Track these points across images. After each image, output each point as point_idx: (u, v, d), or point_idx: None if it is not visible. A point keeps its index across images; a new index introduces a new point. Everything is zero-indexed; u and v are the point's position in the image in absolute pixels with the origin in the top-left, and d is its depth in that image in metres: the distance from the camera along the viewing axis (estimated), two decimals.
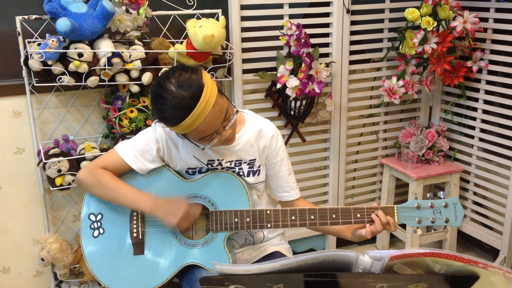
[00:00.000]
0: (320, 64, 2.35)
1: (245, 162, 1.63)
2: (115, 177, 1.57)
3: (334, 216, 1.52)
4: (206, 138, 1.46)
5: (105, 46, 1.97)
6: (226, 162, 1.61)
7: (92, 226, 1.60)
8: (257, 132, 1.62)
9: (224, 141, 1.51)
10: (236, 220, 1.55)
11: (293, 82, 2.27)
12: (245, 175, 1.63)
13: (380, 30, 2.63)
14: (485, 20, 2.48)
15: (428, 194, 1.53)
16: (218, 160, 1.60)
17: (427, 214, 1.49)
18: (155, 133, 1.58)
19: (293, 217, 1.54)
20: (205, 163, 1.60)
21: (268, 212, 1.54)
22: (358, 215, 1.52)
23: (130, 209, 1.60)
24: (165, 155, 1.60)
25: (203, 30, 2.01)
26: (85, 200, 1.62)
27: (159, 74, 1.64)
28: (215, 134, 1.46)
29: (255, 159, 1.63)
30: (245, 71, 2.40)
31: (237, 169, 1.63)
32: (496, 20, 2.46)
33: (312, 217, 1.53)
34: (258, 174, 1.65)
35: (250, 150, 1.62)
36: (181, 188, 1.60)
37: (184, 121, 1.38)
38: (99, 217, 1.61)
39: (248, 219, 1.54)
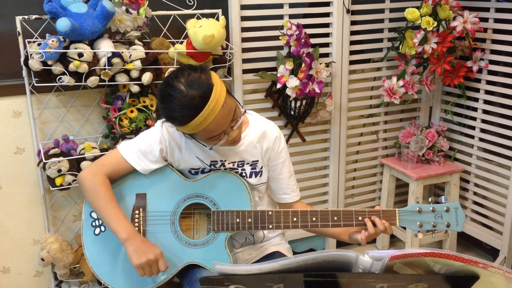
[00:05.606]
0: (320, 64, 2.35)
1: (247, 163, 1.63)
2: (110, 193, 1.55)
3: (335, 218, 1.52)
4: (214, 138, 1.46)
5: (105, 46, 1.97)
6: (229, 163, 1.61)
7: (94, 224, 1.60)
8: (260, 133, 1.62)
9: (231, 142, 1.51)
10: (238, 220, 1.55)
11: (293, 82, 2.27)
12: (247, 176, 1.64)
13: (380, 30, 2.63)
14: (485, 20, 2.48)
15: (430, 198, 1.54)
16: (221, 161, 1.60)
17: (428, 218, 1.50)
18: (158, 134, 1.58)
19: (294, 219, 1.54)
20: (208, 164, 1.60)
21: (270, 213, 1.54)
22: (360, 218, 1.52)
23: (132, 207, 1.60)
24: (168, 156, 1.60)
25: (203, 30, 2.01)
26: None
27: (167, 74, 1.64)
28: (223, 134, 1.46)
29: (257, 161, 1.63)
30: (245, 71, 2.40)
31: (239, 170, 1.63)
32: (496, 20, 2.46)
33: (314, 218, 1.53)
34: (260, 176, 1.65)
35: (253, 151, 1.62)
36: (183, 188, 1.60)
37: (193, 120, 1.38)
38: None
39: (250, 220, 1.54)
